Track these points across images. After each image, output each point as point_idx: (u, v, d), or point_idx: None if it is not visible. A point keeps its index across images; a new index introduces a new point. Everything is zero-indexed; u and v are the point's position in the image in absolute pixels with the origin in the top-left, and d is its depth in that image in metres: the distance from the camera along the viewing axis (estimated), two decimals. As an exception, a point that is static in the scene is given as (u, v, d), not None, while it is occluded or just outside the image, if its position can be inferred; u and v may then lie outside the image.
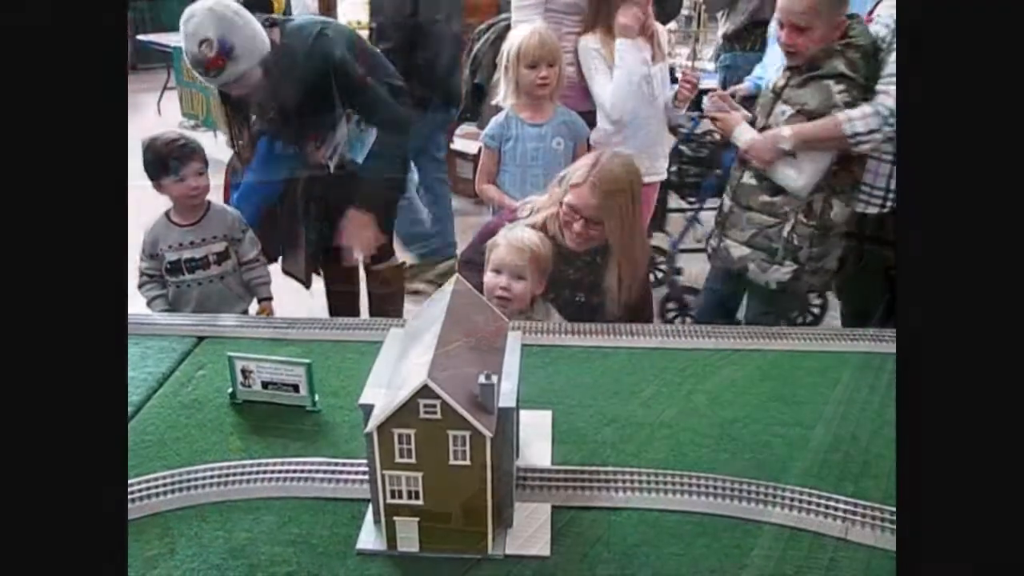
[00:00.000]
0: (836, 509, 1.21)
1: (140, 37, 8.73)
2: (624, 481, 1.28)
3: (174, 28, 6.73)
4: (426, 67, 3.86)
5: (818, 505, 1.22)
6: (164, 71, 8.42)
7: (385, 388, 1.11)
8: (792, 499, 1.23)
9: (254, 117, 2.83)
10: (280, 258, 3.01)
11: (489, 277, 2.15)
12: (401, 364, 1.14)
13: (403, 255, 3.66)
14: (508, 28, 3.10)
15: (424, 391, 1.02)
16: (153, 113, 8.42)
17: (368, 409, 1.10)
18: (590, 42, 2.92)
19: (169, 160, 2.45)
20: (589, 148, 2.95)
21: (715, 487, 1.26)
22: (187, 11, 2.50)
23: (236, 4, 2.54)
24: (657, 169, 3.10)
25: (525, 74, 2.80)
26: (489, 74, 3.34)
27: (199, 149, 2.48)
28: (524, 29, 2.86)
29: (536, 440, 1.38)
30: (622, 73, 2.87)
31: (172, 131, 2.54)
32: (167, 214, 2.51)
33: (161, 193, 2.48)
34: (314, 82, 2.66)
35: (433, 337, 1.12)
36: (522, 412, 1.40)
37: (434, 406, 1.04)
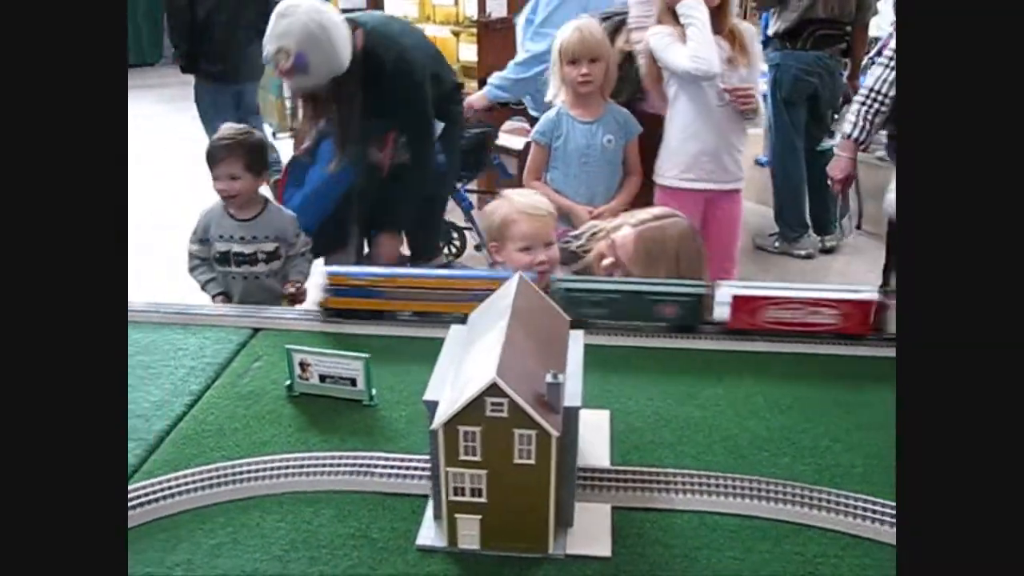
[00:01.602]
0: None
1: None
2: (684, 483, 1.27)
3: None
4: None
5: (881, 513, 1.20)
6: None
7: (449, 385, 1.12)
8: (855, 506, 1.21)
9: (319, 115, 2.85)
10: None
11: (519, 256, 2.13)
12: (465, 361, 1.14)
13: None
14: (623, 23, 3.08)
15: (492, 389, 1.02)
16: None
17: (433, 406, 1.10)
18: (660, 28, 2.87)
19: (208, 155, 2.49)
20: (640, 145, 2.94)
21: (776, 492, 1.25)
22: (284, 5, 2.51)
23: (330, 18, 2.53)
24: (736, 175, 2.99)
25: (568, 71, 2.81)
26: None
27: (243, 152, 2.47)
28: (569, 25, 2.86)
29: (594, 440, 1.38)
30: (694, 29, 2.75)
31: (240, 128, 2.56)
32: (224, 204, 2.54)
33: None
34: (387, 95, 2.68)
35: (499, 334, 1.11)
36: (581, 411, 1.40)
37: (501, 404, 1.03)
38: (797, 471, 1.31)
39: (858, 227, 4.77)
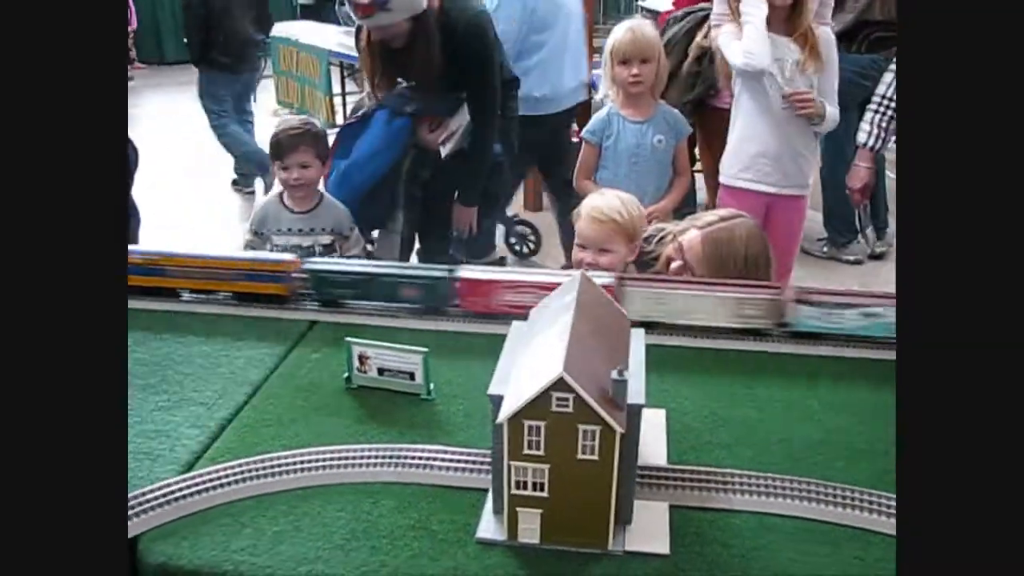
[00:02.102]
0: (963, 524, 1.18)
1: (239, 27, 8.93)
2: (741, 484, 1.27)
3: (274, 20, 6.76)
4: None
5: (944, 519, 1.19)
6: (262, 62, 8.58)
7: (513, 379, 1.13)
8: (916, 512, 1.21)
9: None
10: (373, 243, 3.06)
11: (576, 251, 2.13)
12: (529, 356, 1.16)
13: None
14: (705, 19, 3.08)
15: (559, 384, 1.03)
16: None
17: (497, 400, 1.11)
18: (728, 26, 2.86)
19: (278, 146, 2.52)
20: (691, 145, 2.94)
21: (835, 495, 1.24)
22: None
23: None
24: (797, 180, 2.94)
25: (619, 71, 2.83)
26: (678, 61, 3.32)
27: (312, 141, 2.53)
28: (621, 26, 2.86)
29: (652, 438, 1.38)
30: (749, 26, 2.74)
31: (302, 119, 2.60)
32: (280, 196, 2.57)
33: (277, 177, 2.55)
34: (459, 57, 2.70)
35: (564, 330, 1.12)
36: (640, 409, 1.41)
37: (567, 399, 1.04)
38: (854, 475, 1.31)
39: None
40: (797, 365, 1.64)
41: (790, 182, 2.86)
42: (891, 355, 1.66)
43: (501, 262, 3.30)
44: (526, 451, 1.09)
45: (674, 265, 2.08)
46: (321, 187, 2.68)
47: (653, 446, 1.36)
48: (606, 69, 2.89)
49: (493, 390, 1.14)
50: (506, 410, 1.07)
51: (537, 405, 1.05)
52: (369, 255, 2.77)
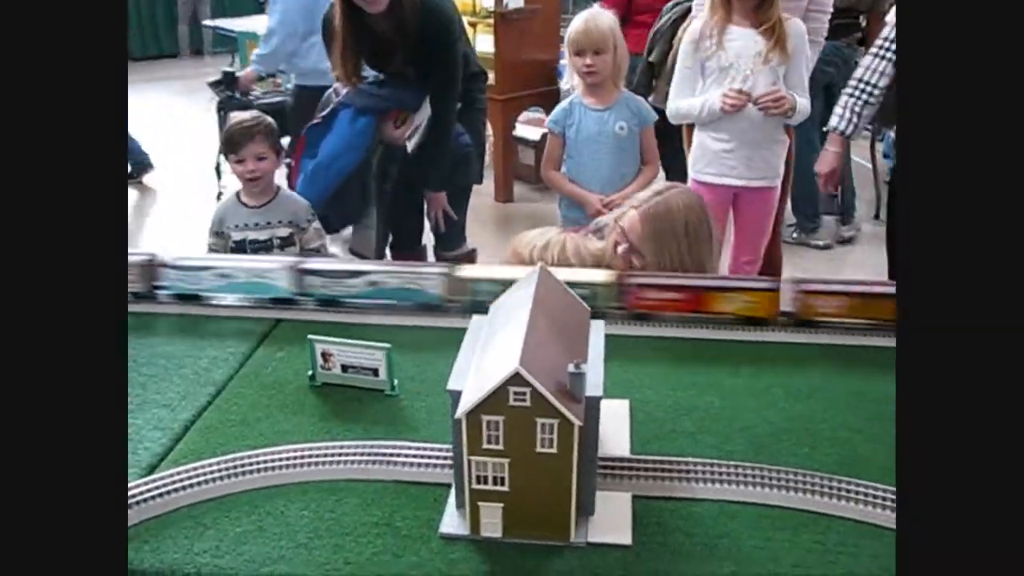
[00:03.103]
0: (921, 507, 1.20)
1: (207, 23, 8.88)
2: (704, 472, 1.28)
3: (238, 14, 6.89)
4: None
5: (903, 502, 1.20)
6: (230, 56, 8.53)
7: (472, 374, 1.13)
8: (874, 495, 1.22)
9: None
10: (351, 235, 3.06)
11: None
12: (488, 350, 1.16)
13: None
14: (689, 10, 3.07)
15: (515, 378, 1.03)
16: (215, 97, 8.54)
17: (456, 395, 1.11)
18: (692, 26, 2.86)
19: (232, 140, 2.51)
20: (658, 133, 2.94)
21: (796, 481, 1.25)
22: None
23: None
24: (764, 173, 2.93)
25: (575, 61, 2.84)
26: (664, 52, 3.33)
27: (266, 131, 2.52)
28: (579, 16, 2.87)
29: (615, 429, 1.39)
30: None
31: (252, 112, 2.59)
32: (237, 194, 2.56)
33: (231, 172, 2.54)
34: (425, 42, 2.69)
35: (521, 324, 1.12)
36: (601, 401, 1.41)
37: (524, 394, 1.05)
38: (817, 461, 1.32)
39: (876, 216, 4.74)
40: (760, 352, 1.65)
41: (756, 175, 2.86)
42: (853, 340, 1.68)
43: (472, 254, 3.29)
44: (485, 445, 1.10)
45: (620, 249, 2.07)
46: (279, 181, 2.67)
47: (616, 436, 1.37)
48: (567, 59, 2.91)
49: (452, 385, 1.14)
50: (464, 405, 1.07)
51: (494, 400, 1.05)
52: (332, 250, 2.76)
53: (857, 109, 2.61)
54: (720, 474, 1.27)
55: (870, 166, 4.89)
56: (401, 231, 3.11)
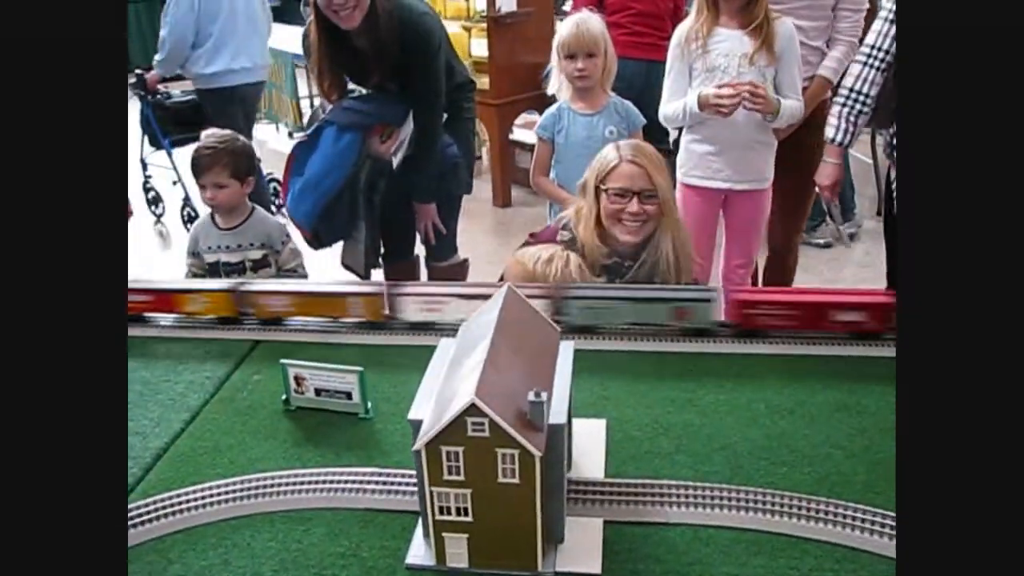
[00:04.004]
0: (900, 528, 1.16)
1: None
2: (678, 495, 1.25)
3: None
4: None
5: (882, 525, 1.17)
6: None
7: (434, 403, 1.10)
8: (852, 517, 1.19)
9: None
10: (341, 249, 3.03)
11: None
12: (451, 377, 1.13)
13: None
14: None
15: (471, 409, 1.01)
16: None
17: (417, 425, 1.09)
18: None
19: (193, 164, 2.48)
20: (645, 136, 2.89)
21: (772, 503, 1.22)
22: None
23: None
24: (752, 176, 2.86)
25: (565, 65, 2.80)
26: None
27: (229, 159, 2.46)
28: (568, 20, 2.83)
29: (589, 450, 1.36)
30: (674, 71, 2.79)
31: (220, 134, 2.55)
32: (211, 214, 2.54)
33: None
34: (406, 56, 2.66)
35: (483, 350, 1.10)
36: (576, 421, 1.38)
37: (482, 424, 1.02)
38: (796, 480, 1.29)
39: (878, 213, 4.69)
40: (743, 365, 1.62)
41: (744, 177, 2.80)
42: (840, 350, 1.65)
43: (464, 264, 3.26)
44: (446, 476, 1.07)
45: (633, 207, 2.09)
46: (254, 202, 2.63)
47: (591, 458, 1.34)
48: (555, 63, 2.86)
49: (413, 415, 1.11)
50: (422, 436, 1.05)
51: (453, 431, 1.03)
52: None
53: (851, 118, 2.56)
54: (694, 497, 1.24)
55: (871, 162, 4.85)
56: (392, 241, 3.09)
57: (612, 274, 2.12)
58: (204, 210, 2.73)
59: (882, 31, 2.43)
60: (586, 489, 1.26)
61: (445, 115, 2.89)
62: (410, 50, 2.66)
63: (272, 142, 7.07)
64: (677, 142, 3.04)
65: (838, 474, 1.30)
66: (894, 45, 2.39)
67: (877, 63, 2.45)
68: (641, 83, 3.56)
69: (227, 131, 2.57)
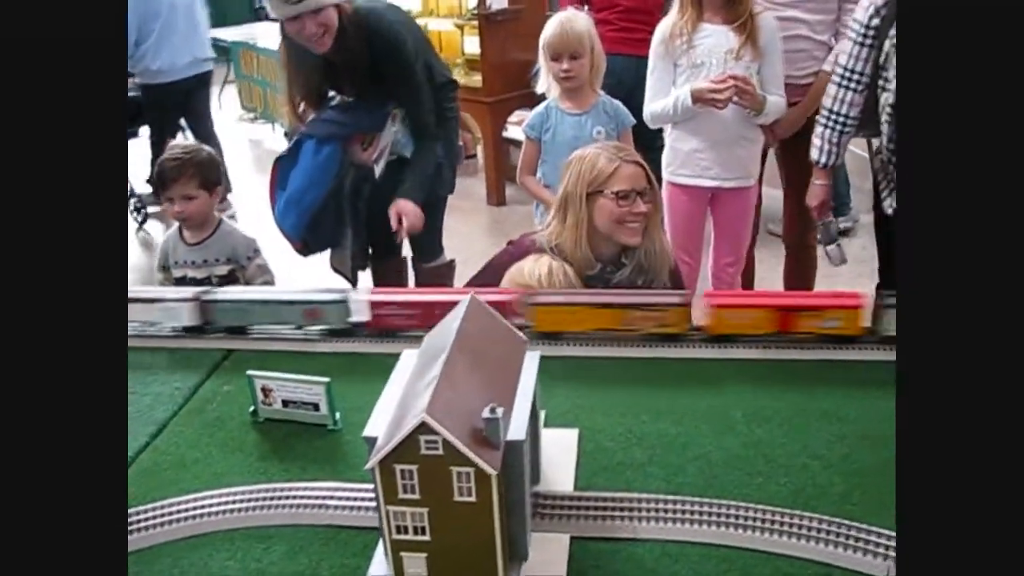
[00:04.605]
0: (878, 545, 1.12)
1: (201, 32, 8.85)
2: (648, 509, 1.21)
3: (234, 24, 6.98)
4: None
5: (856, 539, 1.13)
6: (224, 66, 8.49)
7: (390, 419, 1.06)
8: (827, 531, 1.15)
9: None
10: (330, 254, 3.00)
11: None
12: (408, 392, 1.09)
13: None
14: None
15: (423, 427, 0.97)
16: (214, 107, 8.52)
17: (372, 441, 1.05)
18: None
19: (160, 177, 2.43)
20: (636, 135, 2.85)
21: (745, 517, 1.18)
22: None
23: None
24: (739, 173, 2.85)
25: (551, 66, 2.76)
26: None
27: (195, 170, 2.41)
28: (554, 19, 2.79)
29: (560, 462, 1.32)
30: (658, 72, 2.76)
31: (184, 145, 2.51)
32: (179, 228, 2.49)
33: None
34: (382, 69, 2.63)
35: (440, 364, 1.06)
36: (547, 431, 1.35)
37: (435, 442, 0.98)
38: (771, 492, 1.25)
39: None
40: (722, 371, 1.58)
41: (731, 175, 2.76)
42: (820, 354, 1.61)
43: (451, 264, 3.22)
44: (402, 495, 1.03)
45: (641, 206, 2.05)
46: (221, 214, 2.58)
47: (560, 471, 1.30)
48: (542, 63, 2.82)
49: (368, 431, 1.08)
50: (375, 455, 1.01)
51: (406, 449, 0.99)
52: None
53: (834, 139, 2.49)
54: (664, 511, 1.20)
55: (867, 155, 4.79)
56: (379, 241, 3.05)
57: (598, 282, 2.08)
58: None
59: (854, 54, 2.35)
60: (554, 504, 1.22)
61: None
62: (383, 61, 2.62)
63: (268, 142, 7.04)
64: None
65: (814, 485, 1.26)
66: (868, 67, 2.33)
67: (854, 85, 2.39)
68: (631, 79, 3.51)
69: (191, 141, 2.54)
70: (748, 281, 3.36)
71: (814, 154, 2.56)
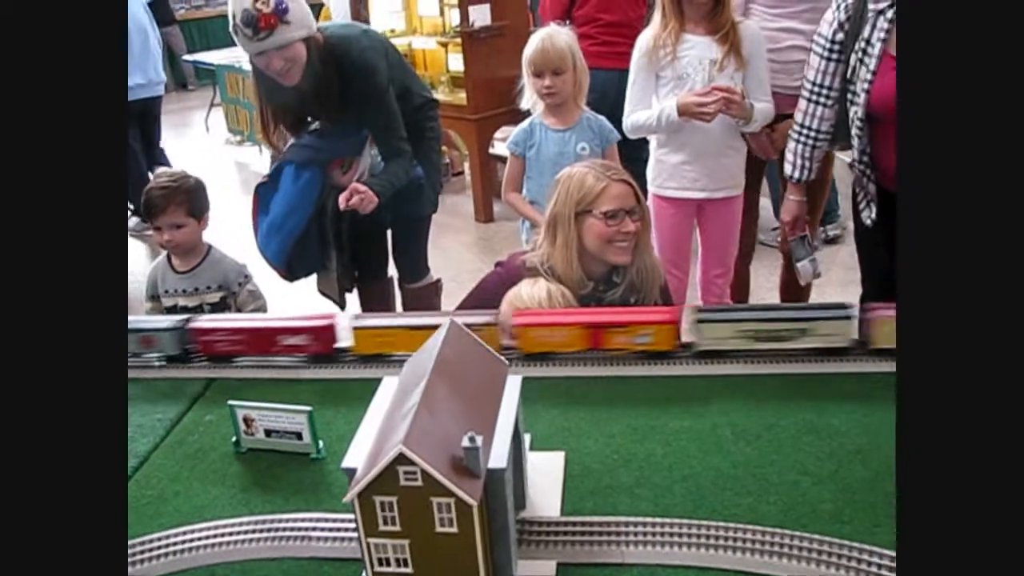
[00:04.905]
0: (870, 564, 1.10)
1: (186, 58, 8.86)
2: (636, 533, 1.19)
3: (219, 47, 7.05)
4: None
5: (849, 559, 1.11)
6: (211, 89, 8.49)
7: (369, 449, 1.04)
8: (819, 551, 1.13)
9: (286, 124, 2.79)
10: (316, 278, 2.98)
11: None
12: (388, 421, 1.07)
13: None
14: None
15: (401, 458, 0.95)
16: (202, 130, 8.51)
17: (351, 473, 1.03)
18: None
19: (148, 206, 2.40)
20: (621, 150, 2.84)
21: (735, 538, 1.16)
22: None
23: None
24: (726, 183, 2.82)
25: (534, 82, 2.74)
26: None
27: (184, 198, 2.40)
28: (536, 35, 2.78)
29: (546, 487, 1.30)
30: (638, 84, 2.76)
31: (171, 173, 2.48)
32: (168, 256, 2.46)
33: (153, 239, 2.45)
34: (353, 97, 2.61)
35: (418, 393, 1.04)
36: (533, 455, 1.33)
37: (414, 473, 0.96)
38: (761, 512, 1.23)
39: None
40: (709, 388, 1.56)
41: (718, 185, 2.75)
42: (807, 368, 1.59)
43: (437, 284, 3.20)
44: (382, 527, 1.01)
45: (629, 226, 2.03)
46: (211, 240, 2.56)
47: (546, 495, 1.28)
48: (526, 79, 2.81)
49: (347, 462, 1.06)
50: (353, 487, 0.99)
51: (385, 480, 0.97)
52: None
53: (807, 154, 2.47)
54: (652, 535, 1.18)
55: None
56: (364, 264, 3.03)
57: (591, 301, 2.06)
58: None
59: (822, 69, 2.33)
60: (539, 530, 1.20)
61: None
62: (354, 87, 2.61)
63: (255, 164, 7.02)
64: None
65: (805, 503, 1.24)
66: (836, 81, 2.32)
67: (823, 99, 2.37)
68: (615, 92, 3.49)
69: (178, 169, 2.51)
70: (744, 293, 3.34)
71: (787, 169, 2.54)
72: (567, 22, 3.64)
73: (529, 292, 1.95)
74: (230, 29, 2.47)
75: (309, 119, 2.81)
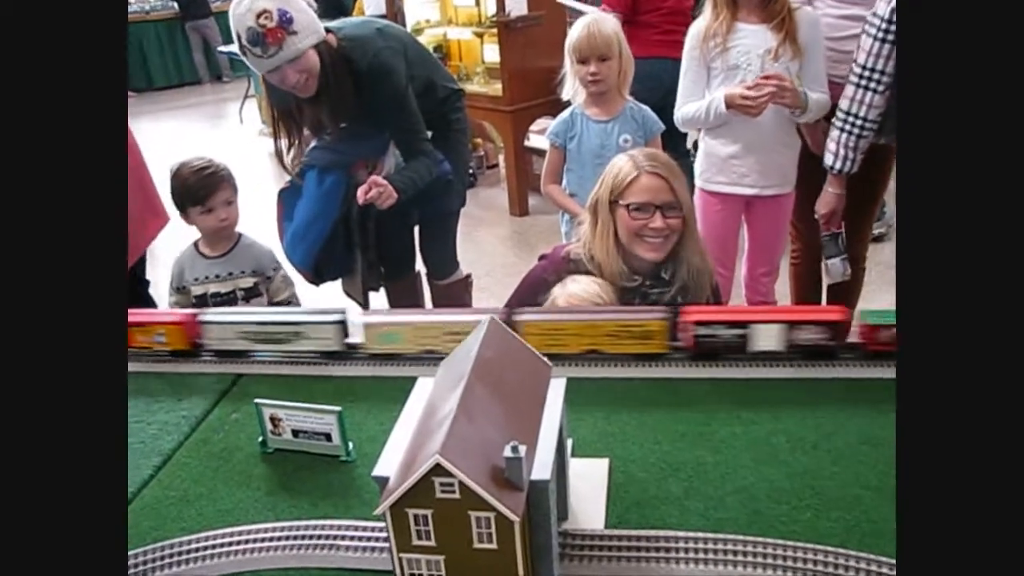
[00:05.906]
0: (941, 587, 1.01)
1: (222, 49, 8.87)
2: (686, 550, 1.10)
3: None
4: None
5: (919, 583, 1.02)
6: (246, 81, 8.49)
7: (402, 457, 0.97)
8: (888, 574, 1.04)
9: (306, 132, 2.72)
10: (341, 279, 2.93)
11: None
12: (423, 426, 1.00)
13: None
14: None
15: (438, 469, 0.87)
16: (236, 122, 8.52)
17: (383, 482, 0.96)
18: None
19: (197, 189, 2.36)
20: (664, 145, 2.74)
21: (795, 558, 1.07)
22: None
23: None
24: (777, 180, 2.70)
25: (578, 69, 2.66)
26: None
27: (228, 176, 2.39)
28: (580, 21, 2.69)
29: (589, 496, 1.22)
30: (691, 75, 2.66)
31: (200, 157, 2.44)
32: (195, 244, 2.42)
33: (189, 224, 2.39)
34: (371, 100, 2.54)
35: (456, 397, 0.97)
36: (576, 461, 1.25)
37: (451, 485, 0.89)
38: (822, 529, 1.14)
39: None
40: (760, 392, 1.47)
41: (769, 182, 2.64)
42: (863, 372, 1.50)
43: (467, 280, 3.13)
44: (416, 541, 0.94)
45: (657, 223, 1.94)
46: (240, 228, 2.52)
47: (589, 506, 1.20)
48: (568, 67, 2.72)
49: (379, 470, 0.98)
50: (386, 499, 0.91)
51: (419, 492, 0.90)
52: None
53: (851, 144, 2.33)
54: (704, 552, 1.10)
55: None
56: (391, 261, 2.96)
57: (636, 296, 1.98)
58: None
59: (874, 51, 2.21)
60: (582, 544, 1.12)
61: (432, 132, 2.76)
62: (370, 92, 2.53)
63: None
64: (695, 144, 2.90)
65: (868, 521, 1.15)
66: (890, 65, 2.19)
67: (874, 85, 2.24)
68: (670, 81, 3.41)
69: (200, 156, 2.47)
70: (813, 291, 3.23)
71: (828, 159, 2.43)
72: (611, 11, 3.54)
73: (580, 291, 1.88)
74: (238, 51, 2.39)
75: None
